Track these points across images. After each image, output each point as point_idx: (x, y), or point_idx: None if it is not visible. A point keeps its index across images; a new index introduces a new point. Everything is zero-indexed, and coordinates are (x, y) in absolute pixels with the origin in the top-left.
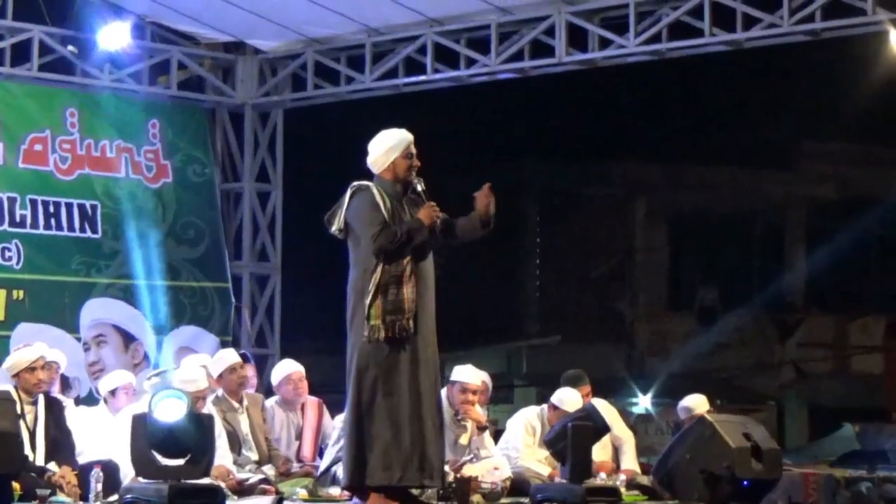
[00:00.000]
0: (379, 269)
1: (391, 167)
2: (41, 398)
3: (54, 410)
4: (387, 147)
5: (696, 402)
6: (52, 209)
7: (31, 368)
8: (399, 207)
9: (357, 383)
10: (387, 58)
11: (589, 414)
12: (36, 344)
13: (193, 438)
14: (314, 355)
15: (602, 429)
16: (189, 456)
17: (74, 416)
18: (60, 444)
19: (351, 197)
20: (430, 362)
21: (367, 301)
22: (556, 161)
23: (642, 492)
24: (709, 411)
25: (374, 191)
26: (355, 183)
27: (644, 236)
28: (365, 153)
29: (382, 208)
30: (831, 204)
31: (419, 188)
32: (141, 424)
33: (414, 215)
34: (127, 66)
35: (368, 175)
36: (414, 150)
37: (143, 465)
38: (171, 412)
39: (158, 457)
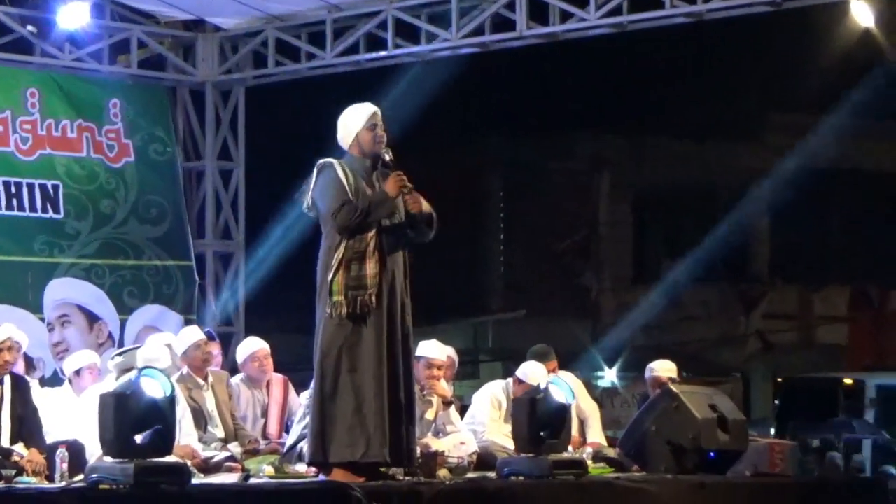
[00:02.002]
0: (342, 245)
1: (356, 142)
2: (7, 378)
3: (20, 389)
4: (349, 122)
5: (661, 366)
6: (13, 190)
7: None
8: (367, 182)
9: (322, 359)
10: (347, 34)
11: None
12: (4, 325)
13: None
14: (279, 333)
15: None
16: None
17: (39, 397)
18: (27, 424)
19: (317, 175)
20: (396, 338)
21: (330, 277)
22: (520, 136)
23: (609, 464)
24: (673, 380)
25: (338, 167)
26: (321, 161)
27: (608, 210)
28: (327, 130)
29: (345, 184)
30: (794, 175)
31: (387, 158)
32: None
33: (382, 188)
34: (87, 45)
35: (339, 152)
36: (378, 122)
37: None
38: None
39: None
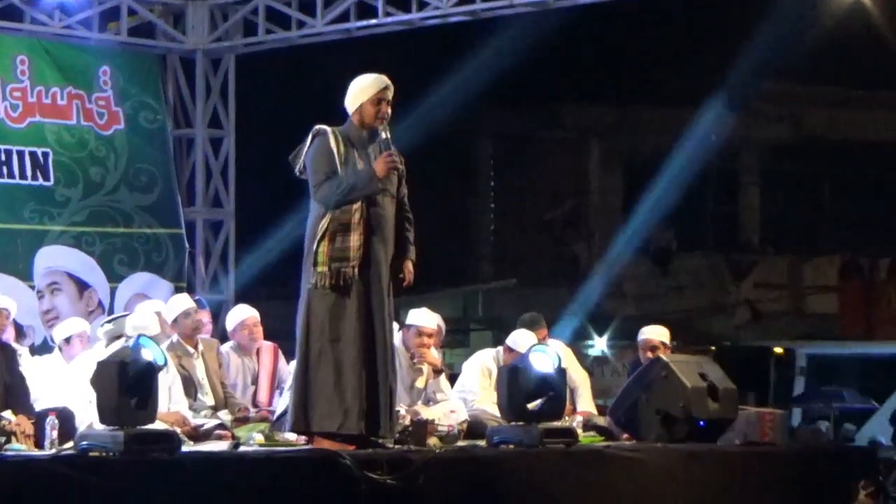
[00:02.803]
0: (328, 215)
1: (358, 111)
2: None
3: (7, 356)
4: (357, 91)
5: (652, 330)
6: (3, 157)
7: None
8: (359, 154)
9: (304, 330)
10: (338, 2)
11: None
12: None
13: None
14: (268, 301)
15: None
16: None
17: (29, 365)
18: (15, 391)
19: (311, 141)
20: (379, 310)
21: (314, 247)
22: (509, 105)
23: (599, 433)
24: (665, 344)
25: (331, 136)
26: (316, 126)
27: (599, 179)
28: (317, 97)
29: (335, 155)
30: (785, 145)
31: (384, 136)
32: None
33: (372, 165)
34: (77, 12)
35: (343, 115)
36: (385, 98)
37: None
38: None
39: None
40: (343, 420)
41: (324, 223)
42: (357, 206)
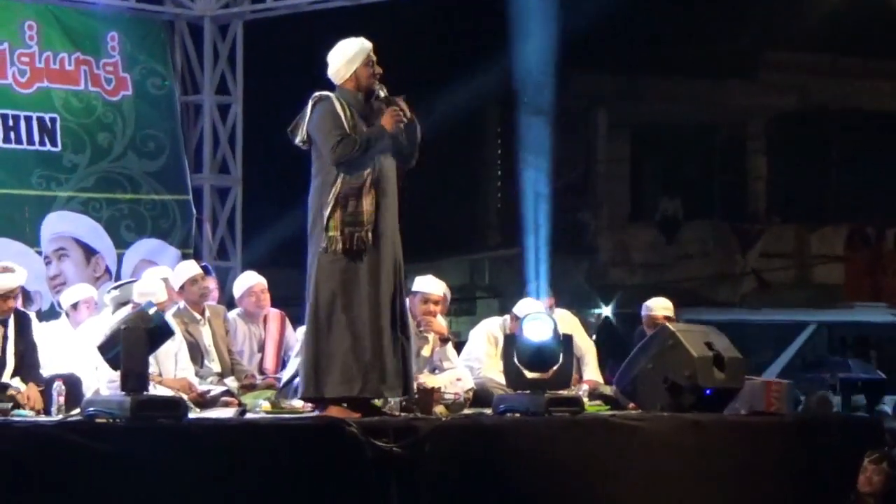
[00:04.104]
0: (339, 180)
1: (353, 77)
2: (10, 315)
3: (23, 325)
4: (348, 57)
5: (657, 304)
6: (10, 122)
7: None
8: (362, 117)
9: (315, 295)
10: None
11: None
12: (13, 274)
13: None
14: (276, 267)
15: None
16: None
17: (36, 331)
18: (26, 359)
19: (312, 108)
20: (390, 274)
21: (326, 213)
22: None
23: (605, 402)
24: (669, 318)
25: (335, 101)
26: (316, 93)
27: (606, 148)
28: (325, 65)
29: (343, 119)
30: (792, 114)
31: (381, 94)
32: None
33: (379, 122)
34: None
35: (330, 86)
36: (373, 58)
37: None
38: None
39: None
40: (363, 384)
41: (336, 188)
42: (367, 170)
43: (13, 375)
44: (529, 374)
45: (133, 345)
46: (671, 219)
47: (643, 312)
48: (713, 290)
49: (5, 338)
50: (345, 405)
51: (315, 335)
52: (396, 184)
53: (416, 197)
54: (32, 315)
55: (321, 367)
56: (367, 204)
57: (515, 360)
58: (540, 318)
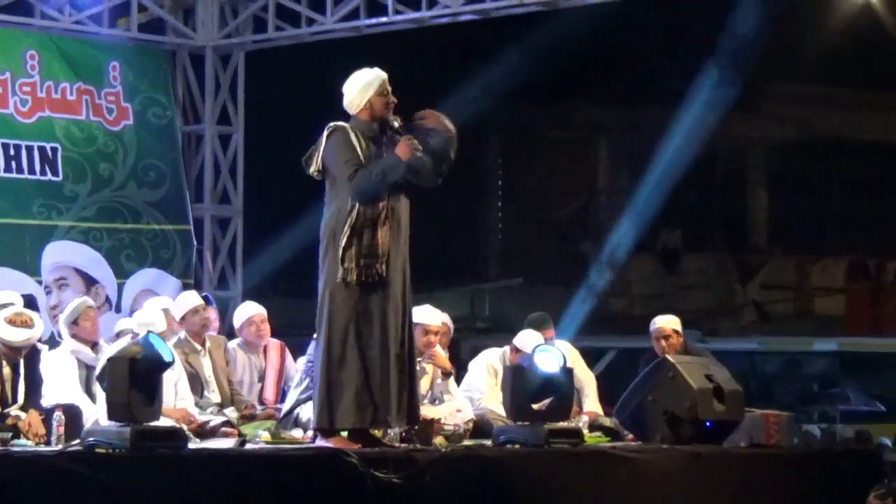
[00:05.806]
0: (355, 210)
1: (368, 106)
2: None
3: (34, 361)
4: (362, 86)
5: (664, 319)
6: (12, 152)
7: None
8: (376, 147)
9: (329, 326)
10: None
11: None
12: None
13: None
14: (276, 297)
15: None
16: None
17: (43, 363)
18: (35, 392)
19: (327, 138)
20: (399, 305)
21: (342, 243)
22: (517, 103)
23: (605, 433)
24: (676, 332)
25: (350, 131)
26: (331, 124)
27: (607, 178)
28: (326, 95)
29: (358, 149)
30: (793, 146)
31: (395, 125)
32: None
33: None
34: (87, 7)
35: (344, 116)
36: (388, 88)
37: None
38: None
39: None
40: (374, 415)
41: (352, 218)
42: (384, 202)
43: (19, 405)
44: (536, 406)
45: (117, 376)
46: (671, 250)
47: (651, 328)
48: (713, 321)
49: (16, 374)
50: (348, 436)
51: (328, 365)
52: (409, 216)
53: (415, 227)
54: (44, 348)
55: (333, 397)
56: (383, 235)
57: (521, 391)
58: (549, 349)
